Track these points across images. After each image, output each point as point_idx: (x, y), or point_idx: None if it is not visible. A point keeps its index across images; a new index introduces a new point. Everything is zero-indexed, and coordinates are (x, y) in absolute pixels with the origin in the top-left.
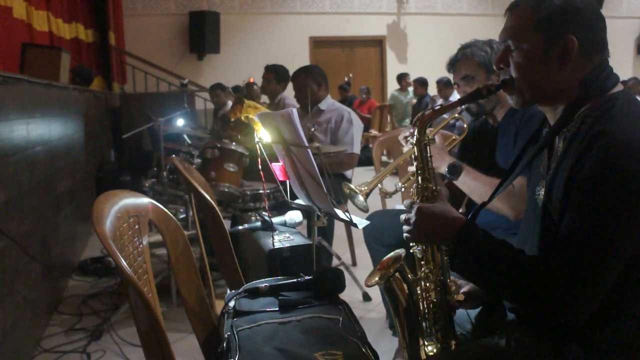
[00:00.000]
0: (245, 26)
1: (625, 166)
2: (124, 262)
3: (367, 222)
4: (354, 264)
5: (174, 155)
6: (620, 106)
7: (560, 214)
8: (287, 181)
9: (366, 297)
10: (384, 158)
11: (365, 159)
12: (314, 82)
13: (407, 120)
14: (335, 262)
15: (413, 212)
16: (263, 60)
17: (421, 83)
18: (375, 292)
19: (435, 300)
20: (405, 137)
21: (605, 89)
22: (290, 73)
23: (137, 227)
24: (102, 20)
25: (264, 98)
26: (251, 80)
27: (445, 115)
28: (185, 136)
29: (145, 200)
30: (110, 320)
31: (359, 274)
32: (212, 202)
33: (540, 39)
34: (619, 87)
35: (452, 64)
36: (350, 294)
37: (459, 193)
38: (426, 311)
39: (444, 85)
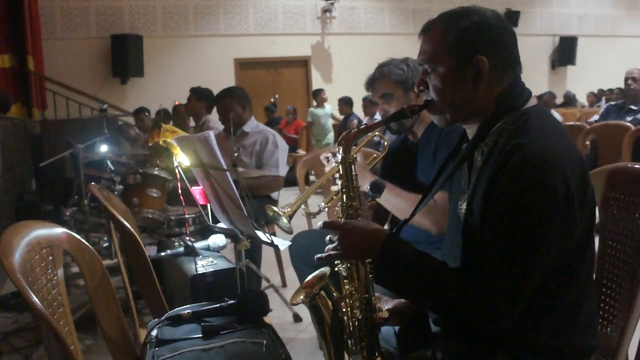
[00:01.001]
0: (169, 49)
1: (539, 178)
2: (34, 297)
3: (288, 244)
4: (284, 285)
5: (93, 183)
6: (534, 120)
7: (481, 226)
8: (209, 205)
9: (297, 318)
10: (312, 177)
11: (292, 180)
12: (238, 105)
13: (329, 136)
14: (264, 284)
15: (338, 228)
16: (188, 83)
17: (346, 102)
18: (305, 313)
19: (360, 317)
20: (327, 157)
21: (519, 104)
22: (213, 92)
23: (50, 258)
24: (19, 44)
25: (190, 121)
26: (176, 103)
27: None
28: (109, 162)
29: (59, 230)
30: (32, 357)
31: (289, 295)
32: (132, 230)
33: (452, 61)
34: (533, 102)
35: (371, 83)
36: (281, 315)
37: (383, 210)
38: (351, 329)
39: (369, 103)
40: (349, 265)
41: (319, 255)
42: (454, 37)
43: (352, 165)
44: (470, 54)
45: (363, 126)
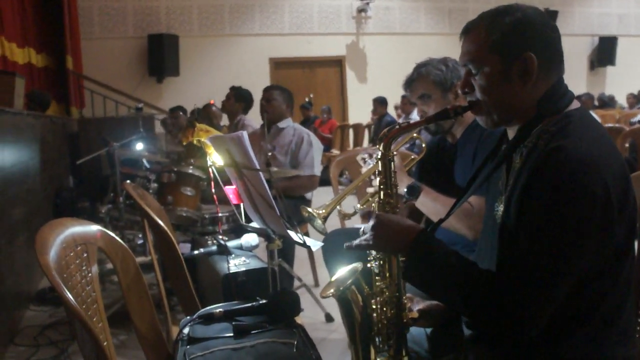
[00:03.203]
0: (205, 48)
1: (579, 182)
2: (68, 294)
3: (320, 244)
4: (317, 284)
5: (128, 181)
6: (576, 123)
7: (516, 227)
8: (242, 204)
9: (329, 318)
10: (345, 177)
11: (326, 179)
12: (284, 101)
13: None
14: (297, 283)
15: (371, 220)
16: (223, 82)
17: (381, 102)
18: (337, 313)
19: (389, 315)
20: (363, 158)
21: (562, 106)
22: (252, 94)
23: (85, 255)
24: (59, 44)
25: (225, 120)
26: (211, 102)
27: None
28: (145, 160)
29: (94, 228)
30: (68, 351)
31: None
32: (166, 228)
33: (499, 60)
34: (575, 104)
35: (409, 83)
36: (313, 315)
37: (418, 212)
38: (380, 326)
39: (408, 102)
40: (381, 262)
41: (348, 244)
42: (499, 35)
43: (392, 163)
44: (517, 51)
45: (405, 124)
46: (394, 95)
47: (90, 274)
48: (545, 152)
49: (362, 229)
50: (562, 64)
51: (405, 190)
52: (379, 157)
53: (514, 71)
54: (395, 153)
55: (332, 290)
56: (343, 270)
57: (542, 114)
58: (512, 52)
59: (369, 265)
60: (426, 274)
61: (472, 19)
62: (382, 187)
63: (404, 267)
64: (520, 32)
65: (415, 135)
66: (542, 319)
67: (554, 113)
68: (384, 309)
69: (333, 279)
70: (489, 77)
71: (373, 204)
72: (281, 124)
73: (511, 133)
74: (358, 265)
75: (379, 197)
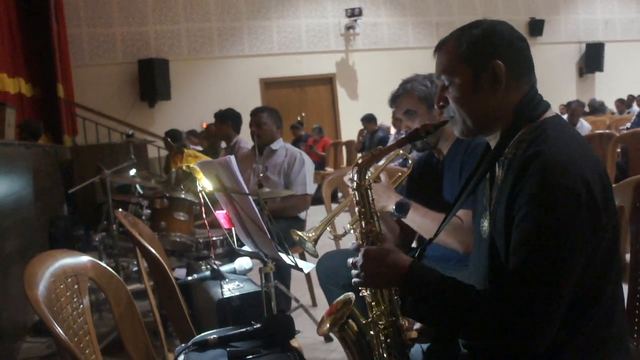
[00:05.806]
0: (195, 71)
1: (561, 184)
2: (57, 328)
3: (312, 266)
4: (314, 304)
5: (120, 209)
6: (552, 129)
7: (505, 240)
8: (233, 228)
9: (327, 338)
10: (340, 195)
11: (320, 198)
12: (273, 123)
13: None
14: (294, 304)
15: (360, 255)
16: (215, 104)
17: (369, 119)
18: None
19: (389, 341)
20: (350, 179)
21: (536, 115)
22: (243, 115)
23: (76, 287)
24: (49, 72)
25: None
26: (204, 125)
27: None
28: (138, 186)
29: (84, 258)
30: None
31: (319, 314)
32: (158, 255)
33: (468, 69)
34: (550, 113)
35: (394, 100)
36: (312, 336)
37: (410, 229)
38: (380, 351)
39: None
40: (374, 290)
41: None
42: (467, 46)
43: (368, 190)
44: (485, 60)
45: (377, 150)
46: (385, 110)
47: (81, 306)
48: (523, 159)
49: (349, 262)
50: (532, 72)
51: (394, 207)
52: (354, 187)
53: (484, 80)
54: (376, 175)
55: (327, 326)
56: (335, 302)
57: (518, 124)
58: (481, 60)
59: (361, 294)
60: (425, 307)
61: (445, 36)
62: (362, 216)
63: (401, 303)
64: (487, 41)
65: (402, 152)
66: (550, 330)
67: (531, 120)
68: (383, 334)
69: (327, 312)
70: (460, 87)
71: (356, 234)
72: (274, 145)
73: (492, 144)
74: (351, 295)
75: (360, 226)
